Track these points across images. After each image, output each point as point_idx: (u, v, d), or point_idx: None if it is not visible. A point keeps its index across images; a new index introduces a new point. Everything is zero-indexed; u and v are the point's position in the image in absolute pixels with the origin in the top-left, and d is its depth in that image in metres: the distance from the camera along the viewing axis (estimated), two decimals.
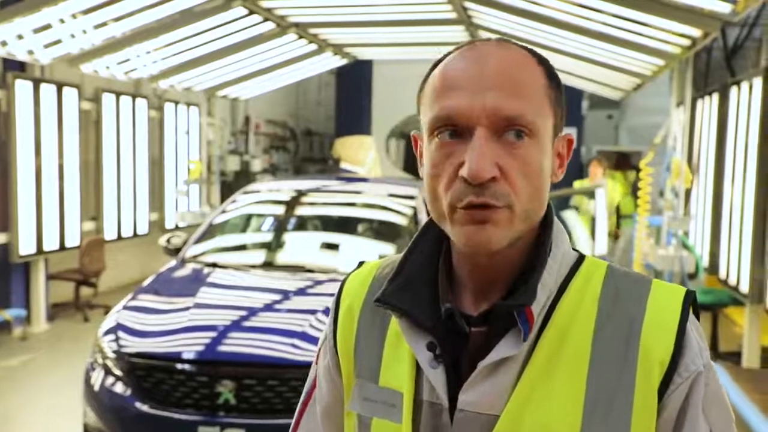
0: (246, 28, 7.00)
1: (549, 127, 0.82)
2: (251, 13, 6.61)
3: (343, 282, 0.99)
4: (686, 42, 5.41)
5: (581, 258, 0.88)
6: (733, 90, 5.70)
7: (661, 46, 5.73)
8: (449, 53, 0.85)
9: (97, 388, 3.27)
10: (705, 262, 6.29)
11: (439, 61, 0.86)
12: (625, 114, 13.52)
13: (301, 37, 7.78)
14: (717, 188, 6.17)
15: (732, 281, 5.47)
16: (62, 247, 6.77)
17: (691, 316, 0.83)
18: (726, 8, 4.26)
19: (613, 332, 0.81)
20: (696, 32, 5.04)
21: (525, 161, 0.79)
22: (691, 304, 0.83)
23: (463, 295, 0.87)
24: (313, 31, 7.76)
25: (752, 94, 5.11)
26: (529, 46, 0.85)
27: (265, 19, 6.91)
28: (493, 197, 0.78)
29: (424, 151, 0.85)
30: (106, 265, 7.25)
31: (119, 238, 7.89)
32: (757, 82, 4.94)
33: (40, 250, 6.48)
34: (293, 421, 1.04)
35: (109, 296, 7.52)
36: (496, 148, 0.78)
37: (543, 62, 0.84)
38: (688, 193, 6.70)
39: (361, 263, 1.01)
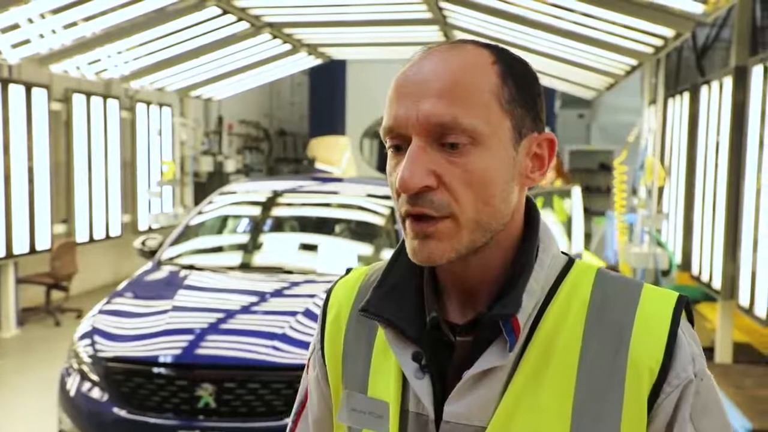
0: (220, 27, 6.94)
1: (502, 129, 0.78)
2: (225, 12, 6.55)
3: (330, 290, 0.98)
4: (658, 42, 5.49)
5: (570, 262, 0.86)
6: (704, 89, 5.78)
7: (634, 45, 5.81)
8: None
9: (73, 393, 3.21)
10: (678, 258, 6.38)
11: None
12: (596, 113, 13.67)
13: (275, 36, 7.74)
14: (689, 186, 6.27)
15: (704, 278, 5.55)
16: (32, 251, 6.64)
17: (684, 322, 0.81)
18: (698, 8, 4.33)
19: (601, 340, 0.79)
20: (668, 32, 5.12)
21: (466, 169, 0.76)
22: (684, 309, 0.81)
23: (449, 304, 0.85)
24: (287, 30, 7.73)
25: (722, 94, 5.19)
26: (492, 43, 0.83)
27: (239, 19, 6.85)
28: (430, 206, 0.76)
29: None
30: (77, 268, 7.13)
31: (91, 240, 7.77)
32: (727, 81, 5.02)
33: (9, 254, 6.35)
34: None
35: (81, 300, 7.41)
36: (434, 157, 0.76)
37: (501, 60, 0.80)
38: (661, 190, 6.80)
39: (348, 270, 0.99)
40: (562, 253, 0.87)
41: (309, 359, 0.99)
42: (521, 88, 0.80)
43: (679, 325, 0.79)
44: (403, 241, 0.89)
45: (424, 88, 0.77)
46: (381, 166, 13.50)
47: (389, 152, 0.80)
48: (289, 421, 1.03)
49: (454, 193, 0.76)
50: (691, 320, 0.83)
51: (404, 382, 0.84)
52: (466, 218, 0.77)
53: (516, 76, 0.80)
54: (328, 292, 0.97)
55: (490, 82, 0.78)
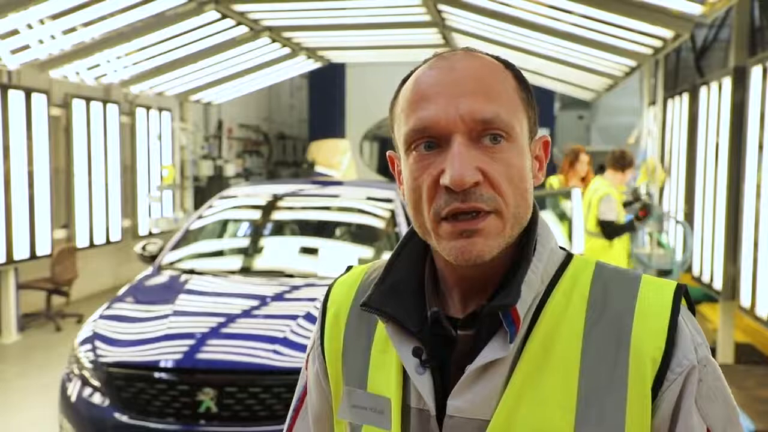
0: (219, 32, 6.96)
1: (525, 129, 0.82)
2: (224, 17, 6.56)
3: (330, 288, 0.98)
4: (657, 43, 5.49)
5: (569, 257, 0.87)
6: (703, 90, 5.79)
7: (633, 47, 5.82)
8: (418, 67, 0.85)
9: (74, 399, 3.21)
10: (678, 259, 6.37)
11: (408, 76, 0.86)
12: (595, 114, 13.69)
13: (274, 40, 7.75)
14: (689, 186, 6.27)
15: (705, 278, 5.55)
16: (33, 256, 6.64)
17: (684, 310, 0.81)
18: (697, 9, 4.34)
19: (603, 331, 0.79)
20: (667, 33, 5.12)
21: (507, 164, 0.78)
22: (683, 297, 0.82)
23: (449, 299, 0.86)
24: (286, 34, 7.74)
25: (722, 94, 5.19)
26: (494, 54, 0.87)
27: (238, 23, 6.87)
28: (480, 201, 0.77)
29: (403, 167, 0.84)
30: (78, 273, 7.13)
31: (91, 245, 7.77)
32: (726, 82, 5.02)
33: (10, 259, 6.35)
34: (285, 428, 1.03)
35: (81, 305, 7.41)
36: (476, 154, 0.78)
37: (510, 67, 0.84)
38: (661, 191, 6.80)
39: (349, 268, 1.00)
40: (561, 248, 0.88)
41: (308, 356, 0.99)
42: (528, 93, 0.85)
43: (680, 313, 0.80)
44: (404, 239, 0.90)
45: (460, 88, 0.79)
46: (381, 169, 13.51)
47: (414, 154, 0.80)
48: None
49: (498, 188, 0.78)
50: (691, 309, 0.84)
51: (405, 378, 0.85)
52: (509, 213, 0.79)
53: (524, 81, 0.85)
54: (328, 290, 0.98)
55: (512, 84, 0.83)
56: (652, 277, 0.84)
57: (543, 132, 0.90)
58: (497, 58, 0.85)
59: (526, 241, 0.83)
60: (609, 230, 5.00)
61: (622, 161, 5.16)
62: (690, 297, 0.84)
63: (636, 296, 0.81)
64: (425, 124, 0.79)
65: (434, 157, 0.79)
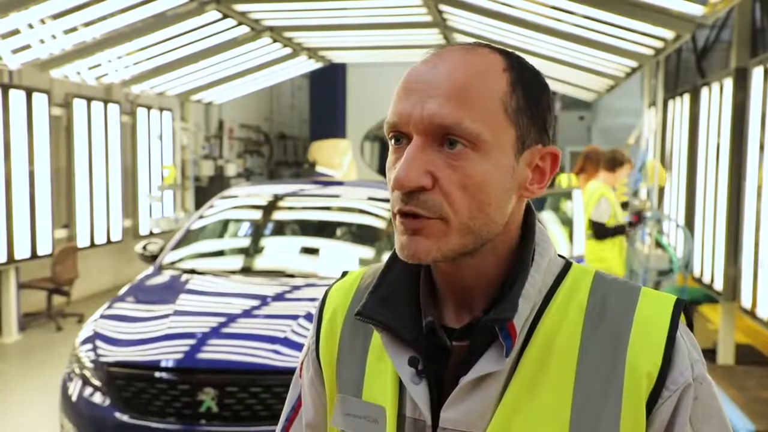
0: (220, 32, 6.96)
1: (506, 138, 0.77)
2: (225, 16, 6.57)
3: (326, 293, 0.97)
4: (658, 44, 5.49)
5: (567, 265, 0.85)
6: (704, 91, 5.78)
7: (634, 47, 5.81)
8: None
9: (75, 398, 3.21)
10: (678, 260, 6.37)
11: None
12: (596, 115, 13.69)
13: (275, 40, 7.76)
14: (690, 187, 6.26)
15: (706, 279, 5.55)
16: (34, 256, 6.64)
17: (683, 326, 0.80)
18: (698, 10, 4.33)
19: (599, 345, 0.78)
20: (668, 34, 5.12)
21: (465, 173, 0.75)
22: (682, 313, 0.80)
23: (445, 308, 0.84)
24: (287, 34, 7.74)
25: (723, 95, 5.19)
26: (506, 49, 0.82)
27: (239, 23, 6.87)
28: (422, 207, 0.75)
29: None
30: (78, 272, 7.13)
31: (92, 245, 7.77)
32: (728, 83, 5.02)
33: (11, 259, 6.35)
34: None
35: (82, 304, 7.41)
36: (433, 158, 0.75)
37: (512, 68, 0.79)
38: (661, 192, 6.80)
39: (344, 273, 0.98)
40: (560, 256, 0.86)
41: (302, 362, 0.98)
42: (529, 99, 0.79)
43: (678, 329, 0.79)
44: None
45: (432, 87, 0.76)
46: (382, 169, 13.51)
47: (391, 146, 0.80)
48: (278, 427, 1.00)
49: (448, 196, 0.75)
50: (690, 324, 0.82)
51: (401, 387, 0.83)
52: (458, 222, 0.76)
53: (526, 85, 0.79)
54: (324, 296, 0.97)
55: (499, 89, 0.77)
56: (651, 290, 0.83)
57: None
58: (506, 56, 0.80)
59: (521, 251, 0.82)
60: (598, 231, 5.13)
61: (612, 162, 5.32)
62: (689, 312, 0.82)
63: (634, 309, 0.79)
64: (394, 119, 0.78)
65: (401, 152, 0.78)
